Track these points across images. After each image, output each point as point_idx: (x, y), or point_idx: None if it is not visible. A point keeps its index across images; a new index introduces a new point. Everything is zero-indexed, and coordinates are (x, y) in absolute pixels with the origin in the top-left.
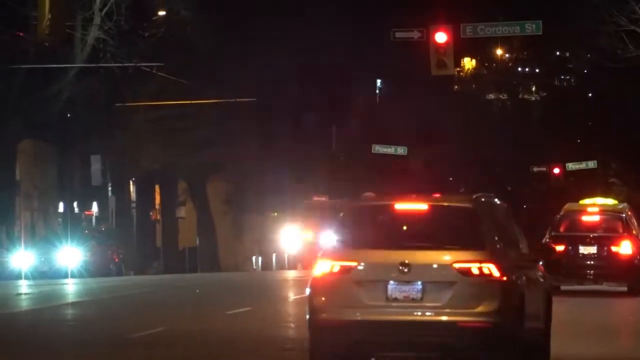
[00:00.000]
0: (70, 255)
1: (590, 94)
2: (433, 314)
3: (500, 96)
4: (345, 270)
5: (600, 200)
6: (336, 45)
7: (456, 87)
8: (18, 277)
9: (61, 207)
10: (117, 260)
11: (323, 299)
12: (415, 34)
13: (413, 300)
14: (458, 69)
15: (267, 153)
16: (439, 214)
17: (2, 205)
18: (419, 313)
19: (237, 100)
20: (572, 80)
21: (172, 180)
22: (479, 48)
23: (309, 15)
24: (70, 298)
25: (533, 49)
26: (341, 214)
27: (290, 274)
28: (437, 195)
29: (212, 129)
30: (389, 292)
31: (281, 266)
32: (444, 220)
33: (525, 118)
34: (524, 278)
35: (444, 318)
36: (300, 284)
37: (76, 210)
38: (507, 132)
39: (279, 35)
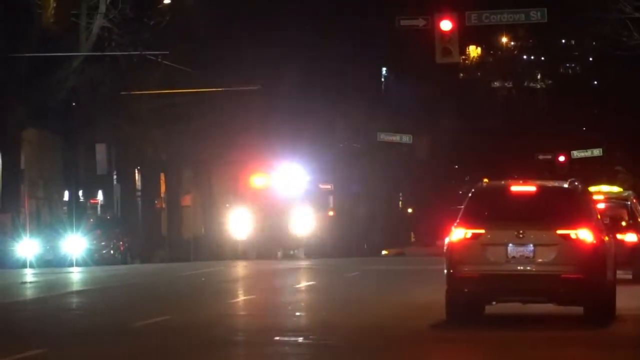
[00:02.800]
0: (76, 243)
1: (595, 82)
2: (541, 268)
3: (506, 84)
4: (475, 236)
5: (605, 188)
6: (341, 33)
7: (461, 75)
8: (23, 265)
9: (66, 196)
10: (122, 248)
11: (458, 257)
12: (420, 22)
13: (527, 258)
14: (463, 57)
15: (272, 142)
16: (544, 194)
17: (7, 194)
18: (531, 267)
19: (241, 88)
20: (577, 68)
21: (178, 169)
22: (484, 36)
23: (313, 3)
24: (76, 286)
25: (538, 37)
26: (470, 195)
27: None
28: (539, 180)
29: (217, 117)
30: (509, 252)
31: (233, 255)
32: (548, 198)
33: (530, 106)
34: (605, 243)
35: (549, 271)
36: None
37: (81, 198)
38: (512, 120)
39: (283, 23)
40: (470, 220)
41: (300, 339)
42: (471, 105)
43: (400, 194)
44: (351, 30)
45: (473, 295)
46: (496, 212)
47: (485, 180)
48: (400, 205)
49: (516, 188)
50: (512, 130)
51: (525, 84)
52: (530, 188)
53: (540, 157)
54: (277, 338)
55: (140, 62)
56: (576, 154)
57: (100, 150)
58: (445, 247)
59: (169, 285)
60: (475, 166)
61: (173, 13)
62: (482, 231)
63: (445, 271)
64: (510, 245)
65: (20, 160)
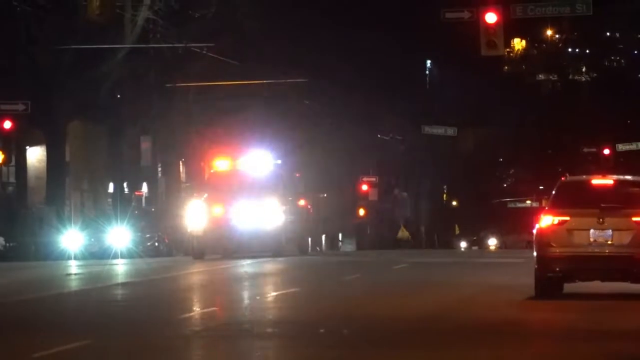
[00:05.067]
0: (120, 235)
1: None
2: (618, 250)
3: (550, 77)
4: (561, 223)
5: None
6: (386, 25)
7: (506, 67)
8: (68, 257)
9: (111, 188)
10: (167, 240)
11: (547, 240)
12: (466, 14)
13: (606, 241)
14: (508, 50)
15: (316, 134)
16: (620, 186)
17: (52, 186)
18: (609, 250)
19: (288, 81)
20: (622, 61)
21: None
22: (529, 28)
23: None
24: (120, 278)
25: (583, 29)
26: (556, 187)
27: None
28: (615, 175)
29: (261, 109)
30: (590, 236)
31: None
32: (624, 189)
33: (575, 99)
34: None
35: (625, 253)
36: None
37: (126, 190)
38: (556, 113)
39: (328, 15)
40: (557, 208)
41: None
42: (516, 98)
43: (445, 187)
44: (396, 23)
45: (560, 274)
46: (579, 202)
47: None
48: (444, 198)
49: (596, 181)
50: (556, 123)
51: (570, 76)
52: (608, 181)
53: (585, 150)
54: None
55: (185, 54)
56: (621, 147)
57: (145, 142)
58: (534, 233)
59: (213, 277)
60: (519, 159)
61: (218, 5)
62: (568, 218)
63: (535, 253)
64: (592, 230)
65: (65, 153)
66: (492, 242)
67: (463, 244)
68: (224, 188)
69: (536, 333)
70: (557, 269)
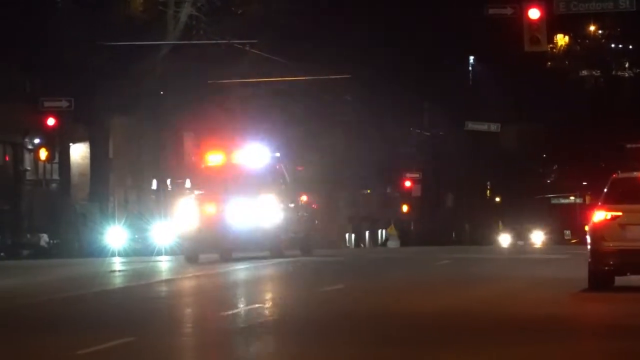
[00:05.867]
0: (164, 232)
1: None
2: None
3: (593, 73)
4: (614, 218)
5: None
6: (429, 21)
7: (549, 63)
8: (111, 254)
9: (154, 184)
10: None
11: (600, 235)
12: (509, 10)
13: None
14: (551, 46)
15: (360, 128)
16: None
17: (96, 183)
18: None
19: (331, 77)
20: None
21: None
22: (572, 24)
23: None
24: (164, 275)
25: (626, 25)
26: (608, 184)
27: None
28: None
29: (303, 105)
30: None
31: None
32: None
33: (618, 94)
34: None
35: None
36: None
37: (169, 187)
38: (599, 109)
39: (371, 12)
40: (609, 204)
41: None
42: (559, 94)
43: (488, 183)
44: (440, 19)
45: (613, 267)
46: (631, 197)
47: (619, 172)
48: (488, 194)
49: None
50: (599, 119)
51: (613, 72)
52: None
53: (629, 146)
54: None
55: (227, 50)
56: None
57: (188, 138)
58: (588, 227)
59: (262, 272)
60: (562, 155)
61: (260, 1)
62: (620, 214)
63: (589, 247)
64: None
65: (109, 149)
66: (536, 238)
67: (506, 240)
68: (217, 184)
69: (582, 328)
70: (611, 263)
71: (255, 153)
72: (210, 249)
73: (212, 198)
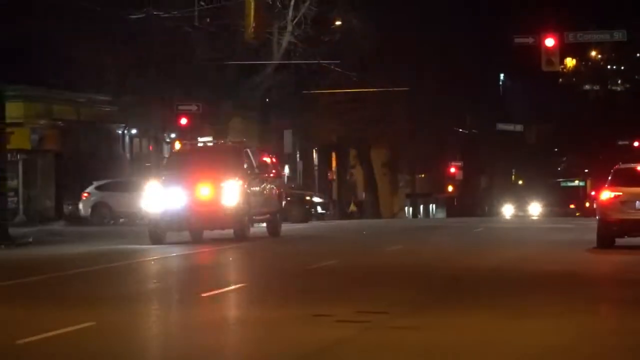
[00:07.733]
0: None
1: None
2: None
3: (594, 87)
4: (616, 197)
5: None
6: (471, 46)
7: (560, 79)
8: None
9: None
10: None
11: (605, 209)
12: (530, 40)
13: None
14: (562, 66)
15: (416, 127)
16: None
17: None
18: None
19: (393, 89)
20: None
21: (345, 149)
22: (579, 50)
23: (441, 22)
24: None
25: (619, 51)
26: (612, 171)
27: None
28: None
29: (375, 110)
30: (636, 206)
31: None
32: None
33: (613, 103)
34: None
35: None
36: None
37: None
38: (599, 114)
39: (426, 37)
40: (613, 187)
41: None
42: (568, 103)
43: (513, 170)
44: (478, 46)
45: (614, 232)
46: (630, 181)
47: (620, 163)
48: (513, 179)
49: None
50: (598, 122)
51: (609, 87)
52: None
53: (620, 142)
54: None
55: (317, 69)
56: None
57: (288, 134)
58: (596, 203)
59: (336, 237)
60: (570, 149)
61: (343, 31)
62: (620, 193)
63: (597, 217)
64: (637, 202)
65: None
66: (534, 210)
67: (509, 211)
68: (182, 167)
69: (597, 278)
70: (614, 229)
71: (220, 138)
72: (175, 230)
73: (176, 181)
